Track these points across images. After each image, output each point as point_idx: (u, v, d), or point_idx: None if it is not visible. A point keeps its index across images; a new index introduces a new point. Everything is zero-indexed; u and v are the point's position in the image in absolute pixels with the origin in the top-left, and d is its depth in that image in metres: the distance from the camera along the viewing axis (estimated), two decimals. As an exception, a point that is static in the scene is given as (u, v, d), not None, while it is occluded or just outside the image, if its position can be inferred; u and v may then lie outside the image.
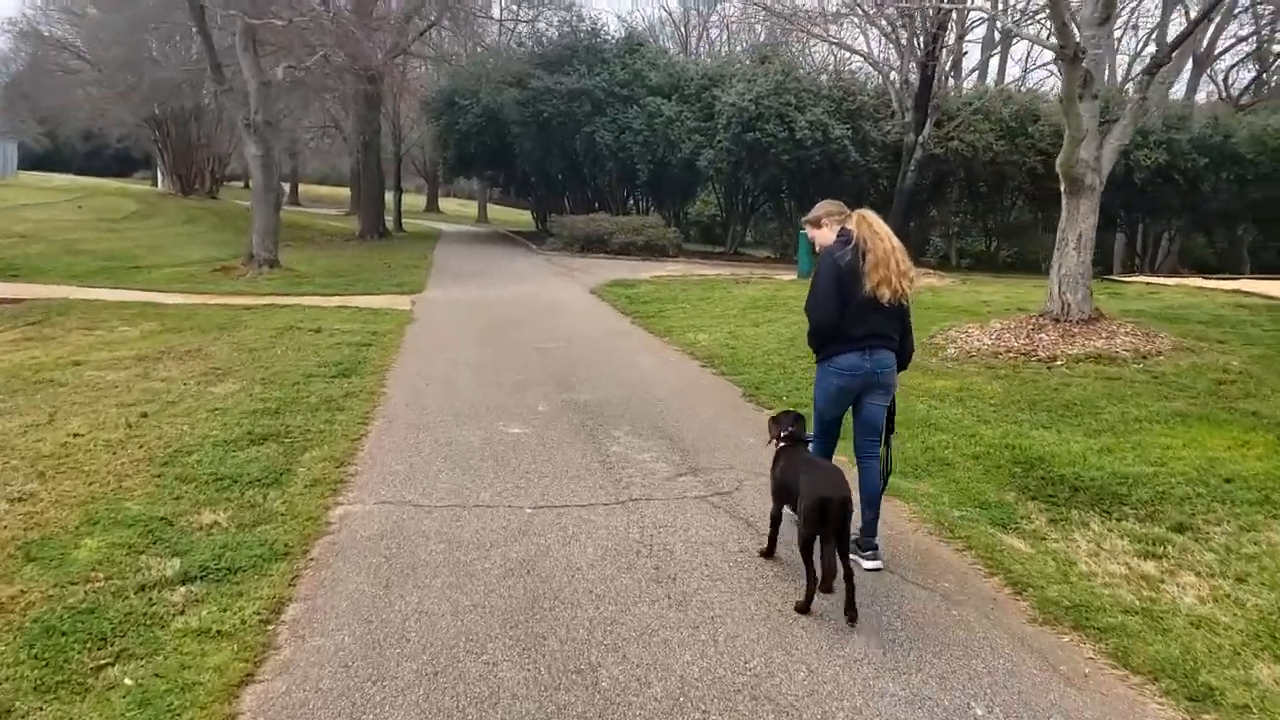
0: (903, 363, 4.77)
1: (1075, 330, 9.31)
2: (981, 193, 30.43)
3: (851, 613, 4.01)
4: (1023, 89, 32.62)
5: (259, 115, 19.41)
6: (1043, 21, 20.95)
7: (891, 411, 4.79)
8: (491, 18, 35.23)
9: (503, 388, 8.40)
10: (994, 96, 29.55)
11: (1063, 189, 9.81)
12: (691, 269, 22.80)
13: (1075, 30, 9.47)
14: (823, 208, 4.97)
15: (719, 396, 8.52)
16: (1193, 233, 31.60)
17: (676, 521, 5.16)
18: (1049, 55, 46.85)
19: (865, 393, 4.65)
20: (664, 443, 6.71)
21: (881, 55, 24.28)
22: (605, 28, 33.51)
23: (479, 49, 33.15)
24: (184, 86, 30.34)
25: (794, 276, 19.59)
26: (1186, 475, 5.86)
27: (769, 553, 4.66)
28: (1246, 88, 39.25)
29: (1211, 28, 17.91)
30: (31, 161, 58.99)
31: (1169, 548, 4.87)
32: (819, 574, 4.02)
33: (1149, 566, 4.64)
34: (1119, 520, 5.28)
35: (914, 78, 21.01)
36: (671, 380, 9.15)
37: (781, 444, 4.63)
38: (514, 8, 36.80)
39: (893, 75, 23.34)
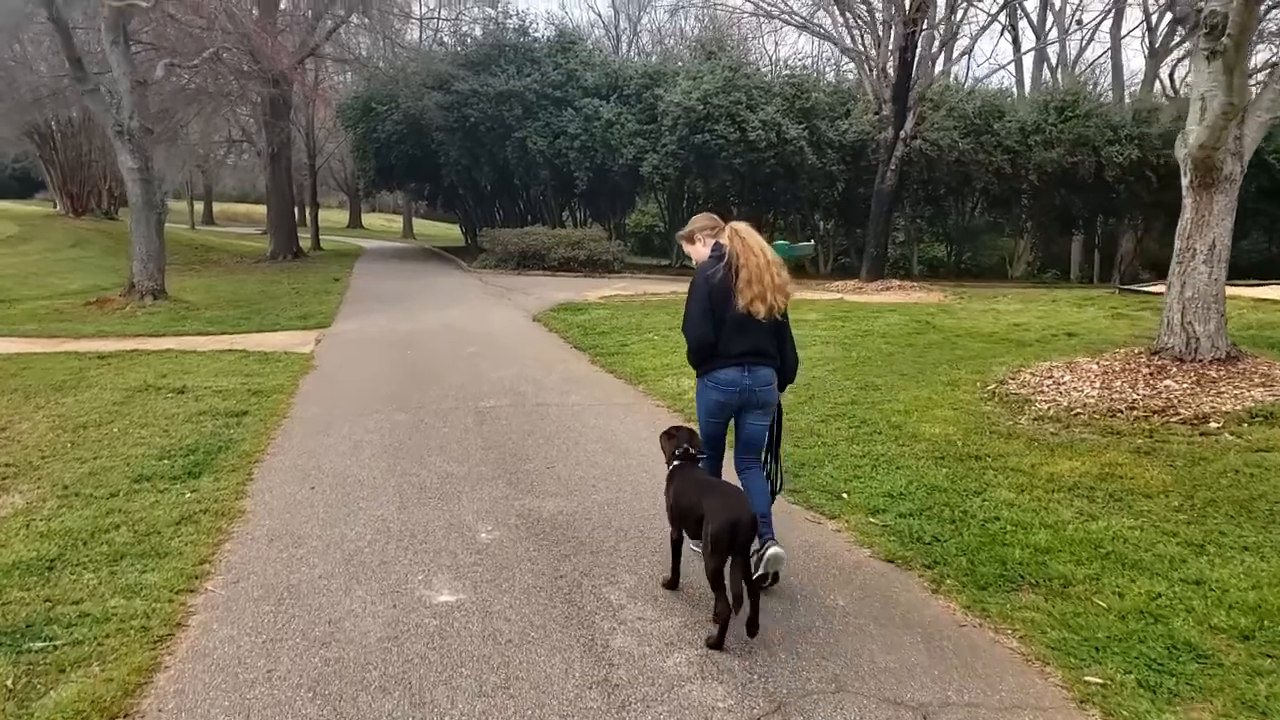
0: (786, 379, 4.65)
1: (1213, 374, 7.01)
2: (939, 195, 28.65)
3: (754, 628, 3.84)
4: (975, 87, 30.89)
5: (133, 120, 16.43)
6: None
7: (777, 424, 4.73)
8: (408, 15, 32.31)
9: (425, 491, 5.78)
10: (955, 91, 27.78)
11: (1186, 183, 7.46)
12: (641, 286, 20.36)
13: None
14: (696, 222, 4.88)
15: None
16: (1154, 233, 30.18)
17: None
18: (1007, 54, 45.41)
19: (744, 410, 4.53)
20: (704, 614, 3.98)
21: (852, 42, 22.01)
22: (534, 25, 30.86)
23: (397, 49, 30.27)
24: (66, 94, 26.91)
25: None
26: None
27: (672, 584, 4.37)
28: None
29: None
30: (-87, 185, 54.31)
31: None
32: (730, 599, 3.75)
33: None
34: None
35: (892, 67, 18.76)
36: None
37: (676, 463, 4.40)
38: (430, 5, 34.01)
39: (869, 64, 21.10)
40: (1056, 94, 27.72)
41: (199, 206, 56.75)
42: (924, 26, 18.14)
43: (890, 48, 18.99)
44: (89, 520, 5.13)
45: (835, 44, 23.03)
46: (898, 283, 19.42)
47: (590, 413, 7.94)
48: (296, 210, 43.65)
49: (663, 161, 25.14)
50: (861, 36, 21.16)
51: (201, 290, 20.50)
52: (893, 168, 19.08)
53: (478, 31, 30.42)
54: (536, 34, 29.88)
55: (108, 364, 10.60)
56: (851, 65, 37.64)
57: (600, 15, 59.44)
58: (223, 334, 13.45)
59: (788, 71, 28.35)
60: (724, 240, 4.49)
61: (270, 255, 31.09)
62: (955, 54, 24.73)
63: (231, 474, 6.09)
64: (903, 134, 18.84)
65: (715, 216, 4.88)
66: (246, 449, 6.73)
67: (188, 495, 5.61)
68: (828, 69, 36.51)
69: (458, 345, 12.17)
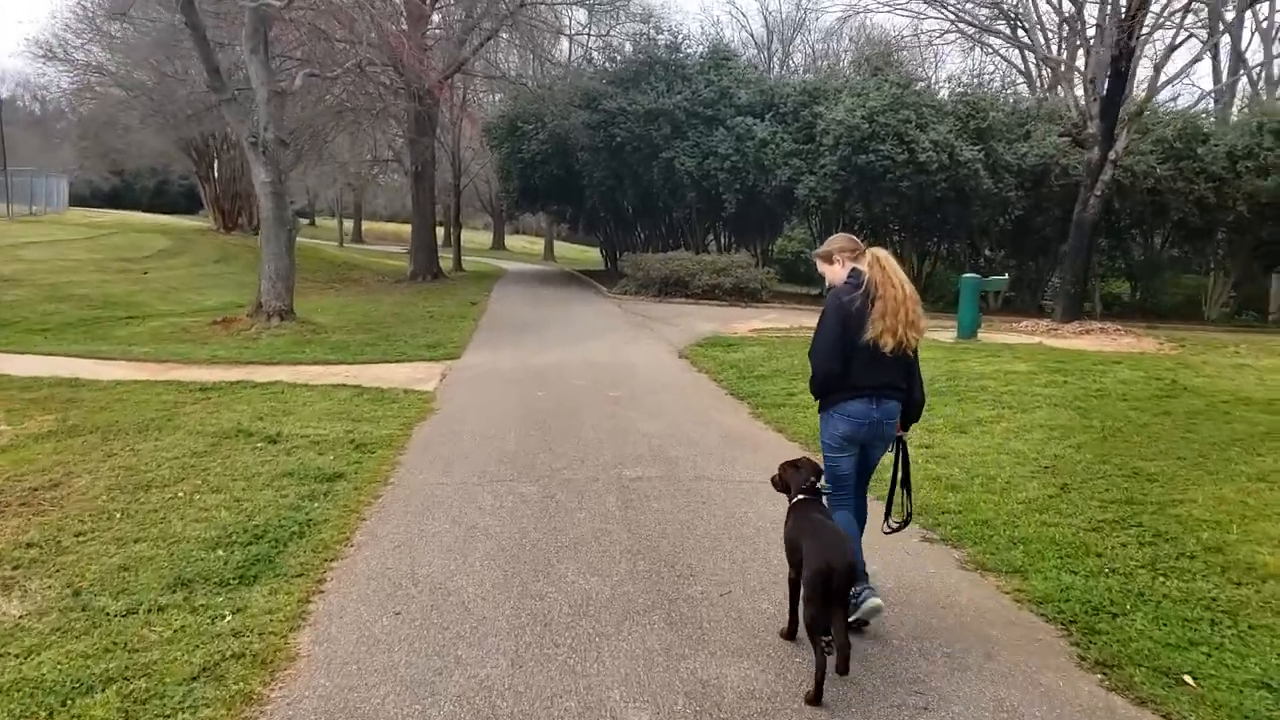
0: (913, 415, 4.41)
1: None
2: (1122, 227, 25.59)
3: (843, 668, 3.51)
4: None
5: (269, 132, 15.61)
6: None
7: (905, 458, 4.47)
8: (559, 31, 31.34)
9: (551, 629, 3.99)
10: (1152, 113, 24.75)
11: None
12: (794, 318, 18.39)
13: None
14: (835, 242, 4.57)
15: (1033, 659, 3.94)
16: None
17: None
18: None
19: (866, 444, 4.33)
20: None
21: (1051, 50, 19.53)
22: (687, 41, 29.34)
23: (545, 65, 29.33)
24: (219, 109, 27.05)
25: (954, 337, 14.94)
26: None
27: (790, 633, 4.00)
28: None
29: None
30: (102, 199, 57.36)
31: None
32: (825, 657, 3.50)
33: None
34: None
35: (1092, 81, 16.28)
36: (892, 598, 4.54)
37: (801, 497, 4.11)
38: (581, 21, 32.93)
39: (1075, 76, 18.53)
40: (1271, 114, 24.27)
41: (348, 224, 57.69)
42: (1142, 33, 15.59)
43: (1102, 55, 16.46)
44: (76, 665, 3.61)
45: (1034, 51, 20.50)
46: (1098, 325, 16.75)
47: (766, 495, 6.00)
48: (441, 230, 43.60)
49: (820, 183, 23.13)
50: (1059, 47, 18.69)
51: (334, 311, 19.70)
52: (1098, 194, 16.53)
53: (628, 48, 29.12)
54: (689, 50, 28.39)
55: (207, 398, 9.41)
56: (1024, 85, 34.88)
57: (753, 36, 57.49)
58: (342, 364, 12.24)
59: (961, 89, 25.87)
60: (863, 267, 4.27)
61: (410, 275, 30.51)
62: (1162, 75, 21.57)
63: (297, 580, 4.51)
64: (1112, 155, 16.27)
65: (855, 239, 4.56)
66: (326, 536, 5.16)
67: (227, 619, 4.04)
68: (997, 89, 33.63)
69: (597, 386, 10.54)
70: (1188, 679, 3.68)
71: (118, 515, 5.59)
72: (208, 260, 29.08)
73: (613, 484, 6.38)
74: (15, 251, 23.58)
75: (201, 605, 4.18)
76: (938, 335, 14.65)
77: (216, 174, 36.50)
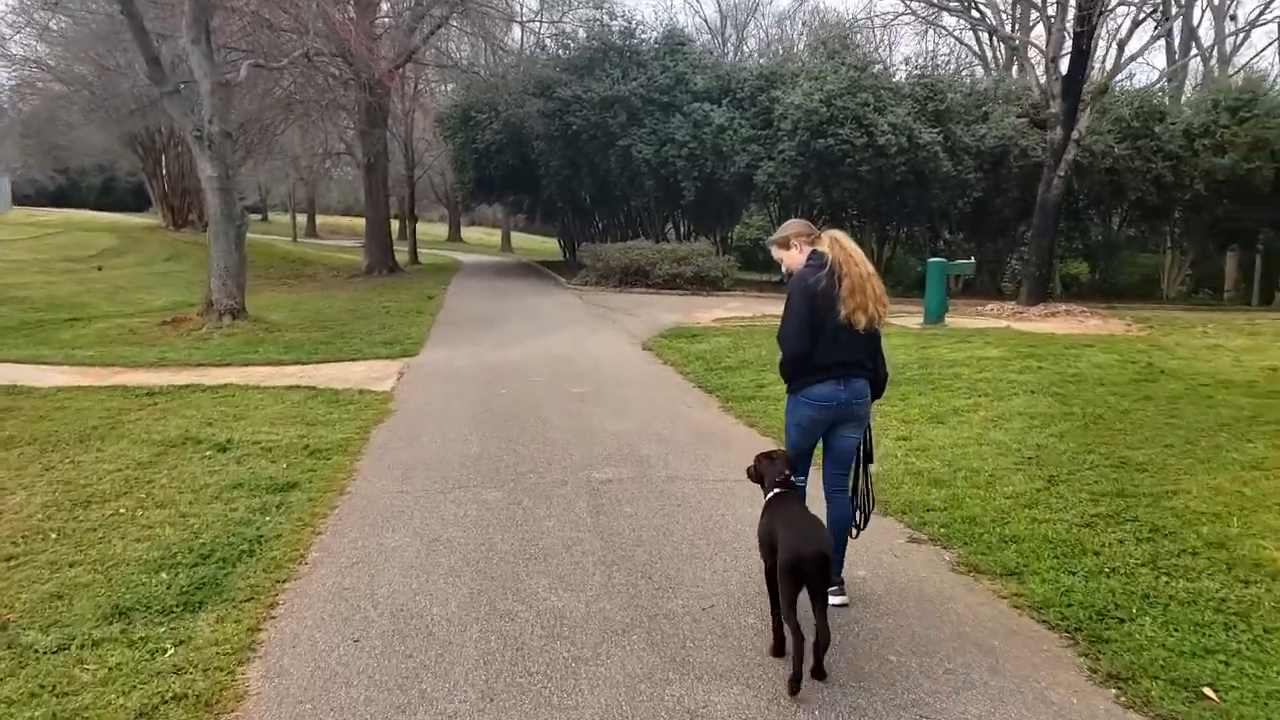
0: (877, 390, 4.39)
1: None
2: (1080, 207, 25.71)
3: (819, 673, 3.55)
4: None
5: (214, 125, 15.07)
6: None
7: (867, 441, 4.48)
8: (510, 17, 30.82)
9: (524, 654, 3.71)
10: (1110, 92, 24.83)
11: None
12: (757, 306, 18.21)
13: None
14: (790, 227, 4.57)
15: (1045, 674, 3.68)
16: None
17: None
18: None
19: (837, 424, 4.30)
20: None
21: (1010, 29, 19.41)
22: (641, 26, 28.95)
23: (497, 53, 28.83)
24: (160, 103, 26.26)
25: (920, 322, 14.82)
26: None
27: (778, 650, 3.75)
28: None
29: None
30: (48, 199, 55.78)
31: None
32: (803, 640, 3.44)
33: None
34: None
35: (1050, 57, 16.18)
36: (885, 607, 4.31)
37: (777, 490, 4.01)
38: (533, 7, 32.44)
39: (1032, 53, 18.39)
40: (1228, 92, 24.44)
41: (302, 219, 56.63)
42: (1104, 8, 15.49)
43: (1063, 33, 16.32)
44: (-2, 714, 3.29)
45: (995, 32, 20.39)
46: (1063, 307, 16.69)
47: (742, 495, 5.78)
48: (396, 223, 42.86)
49: (779, 169, 22.94)
50: (1013, 26, 18.60)
51: (287, 308, 19.19)
52: (1061, 174, 16.46)
53: (581, 35, 28.67)
54: (643, 36, 28.03)
55: (154, 404, 8.99)
56: (979, 68, 34.93)
57: (706, 21, 57.25)
58: (296, 364, 11.83)
59: (918, 72, 25.79)
60: (822, 248, 4.27)
61: (365, 270, 29.97)
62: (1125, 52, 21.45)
63: (246, 605, 4.19)
64: (1075, 135, 16.21)
65: (809, 223, 4.59)
66: (279, 553, 4.84)
67: (169, 653, 3.71)
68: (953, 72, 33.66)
69: (560, 381, 10.26)
70: (1208, 692, 3.47)
71: (53, 535, 5.22)
72: (157, 259, 28.31)
73: (582, 487, 6.11)
74: (-48, 254, 22.75)
75: (141, 638, 3.85)
76: (903, 321, 14.52)
77: (165, 170, 35.58)
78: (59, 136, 38.20)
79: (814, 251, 4.29)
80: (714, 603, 4.27)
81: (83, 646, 3.77)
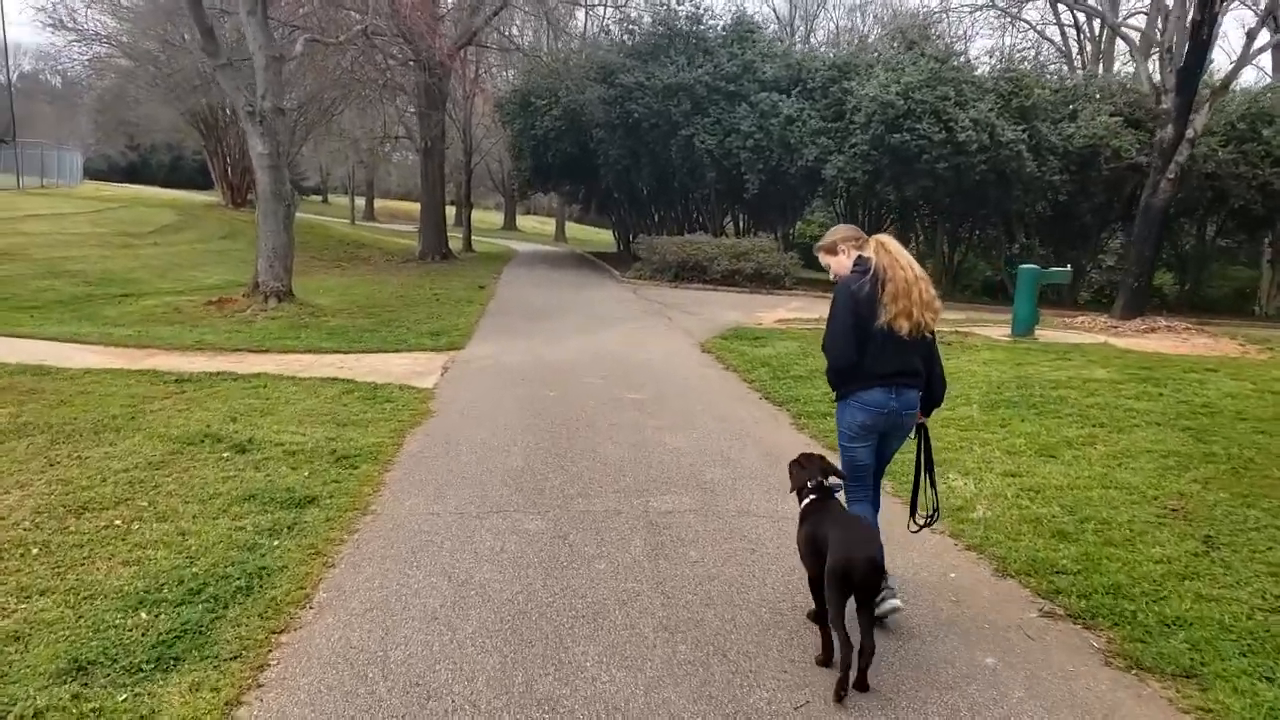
0: (934, 402, 4.31)
1: None
2: (1173, 214, 24.22)
3: (863, 684, 3.41)
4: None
5: (267, 100, 14.52)
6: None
7: (927, 445, 4.39)
8: (574, 1, 30.07)
9: None
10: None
11: None
12: (822, 308, 17.14)
13: None
14: (837, 233, 4.46)
15: None
16: None
17: None
18: None
19: (884, 435, 4.18)
20: None
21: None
22: (708, 13, 28.02)
23: (560, 37, 28.10)
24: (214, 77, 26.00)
25: (1007, 333, 13.70)
26: None
27: (826, 659, 3.60)
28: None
29: None
30: (120, 174, 56.75)
31: None
32: (851, 648, 3.34)
33: None
34: None
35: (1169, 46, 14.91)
36: (1035, 713, 3.34)
37: (812, 497, 3.92)
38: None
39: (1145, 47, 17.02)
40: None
41: (360, 202, 56.56)
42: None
43: (1183, 20, 14.88)
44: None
45: (1102, 18, 19.04)
46: (1163, 322, 15.34)
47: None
48: (451, 209, 42.44)
49: (850, 163, 21.90)
50: (1114, 15, 17.27)
51: (337, 292, 18.68)
52: (1170, 176, 15.11)
53: (646, 20, 27.83)
54: (711, 23, 27.08)
55: (181, 392, 8.39)
56: (1063, 64, 33.36)
57: (775, 11, 56.09)
58: (336, 352, 11.19)
59: (1002, 65, 24.50)
60: (868, 254, 4.15)
61: (419, 255, 29.47)
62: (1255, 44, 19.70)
63: (231, 665, 3.45)
64: (1190, 134, 14.87)
65: (857, 228, 4.47)
66: (280, 592, 4.11)
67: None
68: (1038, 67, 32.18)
69: (613, 385, 9.47)
70: None
71: (35, 550, 4.56)
72: (213, 236, 28.08)
73: (638, 519, 5.31)
74: (16, 225, 22.62)
75: (93, 710, 3.12)
76: (986, 331, 13.45)
77: (225, 147, 35.45)
78: (128, 113, 38.49)
79: (860, 257, 4.20)
80: (808, 698, 3.41)
81: (20, 719, 3.06)
